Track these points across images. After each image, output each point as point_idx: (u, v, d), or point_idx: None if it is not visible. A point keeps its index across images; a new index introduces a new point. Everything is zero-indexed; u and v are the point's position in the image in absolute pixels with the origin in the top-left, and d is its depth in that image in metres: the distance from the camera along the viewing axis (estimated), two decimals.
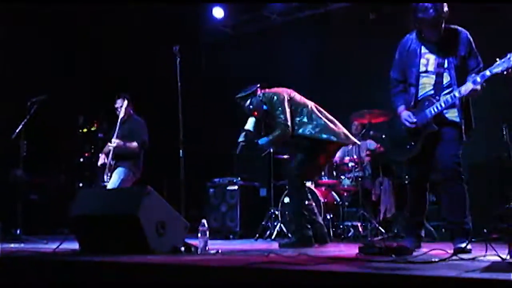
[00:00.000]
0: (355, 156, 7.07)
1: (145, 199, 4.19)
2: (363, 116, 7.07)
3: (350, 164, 7.01)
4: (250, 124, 5.63)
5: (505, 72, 3.88)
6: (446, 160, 4.18)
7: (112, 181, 6.35)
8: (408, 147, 4.36)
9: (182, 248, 4.22)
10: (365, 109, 7.01)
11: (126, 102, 6.51)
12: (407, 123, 4.31)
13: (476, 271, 2.77)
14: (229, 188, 7.81)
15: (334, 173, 7.03)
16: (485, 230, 4.12)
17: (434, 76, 4.24)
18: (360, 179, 6.90)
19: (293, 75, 9.20)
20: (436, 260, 3.25)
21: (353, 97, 8.50)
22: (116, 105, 6.57)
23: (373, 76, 8.50)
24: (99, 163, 6.54)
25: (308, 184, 6.96)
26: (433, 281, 2.41)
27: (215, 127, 9.65)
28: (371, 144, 7.54)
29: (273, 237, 6.90)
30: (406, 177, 6.93)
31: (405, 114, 4.34)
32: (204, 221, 4.26)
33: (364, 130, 7.24)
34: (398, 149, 4.50)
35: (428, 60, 4.27)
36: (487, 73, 3.97)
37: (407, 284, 2.41)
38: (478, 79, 3.99)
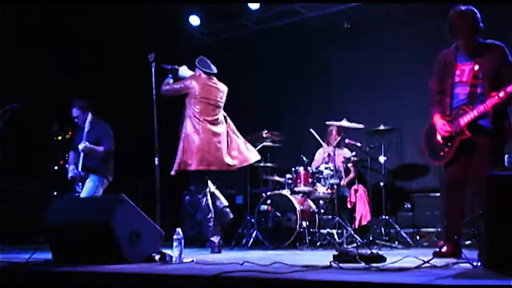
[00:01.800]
0: (330, 164, 7.11)
1: (118, 208, 4.15)
2: (339, 124, 7.12)
3: (326, 172, 7.04)
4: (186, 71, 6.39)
5: None
6: (477, 175, 4.28)
7: (86, 189, 6.30)
8: (441, 153, 4.52)
9: (157, 257, 4.19)
10: (341, 116, 7.07)
11: (79, 110, 6.49)
12: (441, 132, 4.47)
13: (448, 278, 2.81)
14: None
15: (310, 181, 7.05)
16: (455, 237, 4.17)
17: (468, 86, 4.40)
18: (335, 186, 6.94)
19: (269, 82, 9.23)
20: (409, 267, 3.28)
21: (328, 105, 8.56)
22: (74, 115, 6.54)
23: (348, 84, 8.59)
24: (69, 176, 6.52)
25: (285, 191, 6.99)
26: None
27: None
28: (347, 151, 7.59)
29: (249, 245, 6.89)
30: (381, 184, 7.04)
31: (440, 123, 4.50)
32: (179, 230, 4.23)
33: (339, 138, 7.29)
34: (433, 155, 4.65)
35: (463, 71, 4.44)
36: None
37: None
38: (501, 94, 4.13)
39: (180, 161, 5.87)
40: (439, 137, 4.53)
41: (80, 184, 6.36)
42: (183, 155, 5.85)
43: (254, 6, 9.09)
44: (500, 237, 2.81)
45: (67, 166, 6.65)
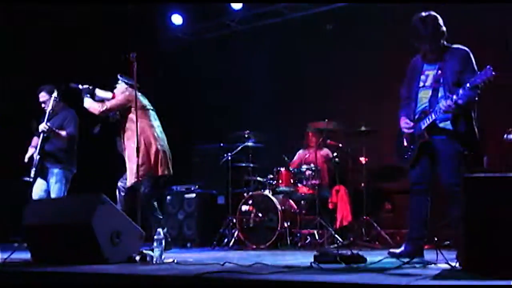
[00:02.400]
0: (312, 165, 7.14)
1: (99, 208, 4.13)
2: (320, 125, 7.16)
3: (307, 172, 7.07)
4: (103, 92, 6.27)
5: (483, 84, 4.09)
6: (444, 181, 4.39)
7: (54, 190, 6.17)
8: (406, 156, 4.64)
9: (137, 258, 4.18)
10: (322, 117, 7.10)
11: (48, 95, 6.32)
12: (404, 129, 4.60)
13: (427, 278, 2.84)
14: (186, 196, 7.76)
15: (292, 181, 7.07)
16: (435, 238, 4.22)
17: (430, 91, 4.50)
18: (317, 187, 6.96)
19: (251, 83, 9.23)
20: (389, 268, 3.31)
21: (310, 105, 8.58)
22: (41, 99, 6.38)
23: (329, 85, 8.62)
24: (26, 156, 6.33)
25: (266, 192, 7.00)
26: None
27: (172, 134, 9.59)
28: (328, 152, 7.63)
29: (230, 244, 6.90)
30: (362, 185, 7.08)
31: (402, 121, 4.63)
32: (160, 230, 4.22)
33: (321, 139, 7.32)
34: (400, 156, 4.76)
35: (427, 76, 4.55)
36: (467, 85, 4.15)
37: None
38: (454, 97, 4.21)
39: (147, 168, 5.87)
40: (405, 140, 4.66)
41: (34, 169, 6.13)
42: (145, 163, 5.85)
43: (237, 6, 9.09)
44: (478, 238, 2.84)
45: (29, 148, 6.43)
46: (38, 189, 6.26)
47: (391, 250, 4.57)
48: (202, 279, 2.82)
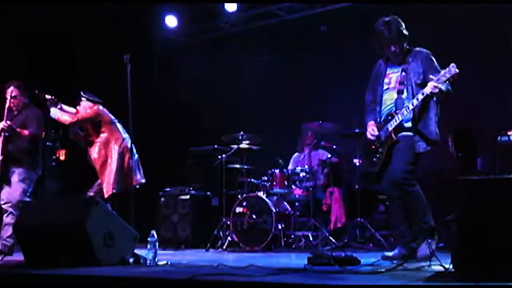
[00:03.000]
0: (306, 166, 7.14)
1: (93, 210, 4.12)
2: (314, 126, 7.15)
3: (302, 174, 7.07)
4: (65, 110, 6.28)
5: (447, 82, 4.22)
6: (393, 173, 4.48)
7: (16, 189, 5.94)
8: (374, 159, 4.65)
9: (131, 260, 4.17)
10: (316, 119, 7.10)
11: (18, 91, 6.17)
12: (369, 135, 4.65)
13: (420, 280, 2.85)
14: (180, 197, 7.74)
15: (286, 183, 7.07)
16: (428, 240, 4.22)
17: (394, 93, 4.58)
18: (311, 188, 6.96)
19: (245, 85, 9.23)
20: (382, 270, 3.31)
21: (304, 107, 8.58)
22: (12, 94, 6.16)
23: (324, 87, 8.63)
24: None
25: (260, 194, 6.99)
26: None
27: (167, 136, 9.59)
28: (323, 154, 7.63)
29: (224, 247, 6.89)
30: (356, 186, 7.08)
31: (369, 127, 4.69)
32: (153, 232, 4.21)
33: (315, 140, 7.32)
34: (369, 161, 4.76)
35: (391, 79, 4.65)
36: (432, 83, 4.24)
37: None
38: (419, 96, 4.32)
39: (123, 180, 5.94)
40: (371, 145, 4.68)
41: None
42: (120, 175, 5.92)
43: (231, 7, 9.07)
44: (472, 240, 2.85)
45: None
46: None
47: (385, 253, 4.56)
48: (196, 282, 2.81)
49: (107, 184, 5.88)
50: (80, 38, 8.97)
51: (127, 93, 5.38)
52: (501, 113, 6.82)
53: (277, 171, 7.09)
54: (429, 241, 4.31)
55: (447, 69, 4.20)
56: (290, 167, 7.69)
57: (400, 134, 4.49)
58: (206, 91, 9.71)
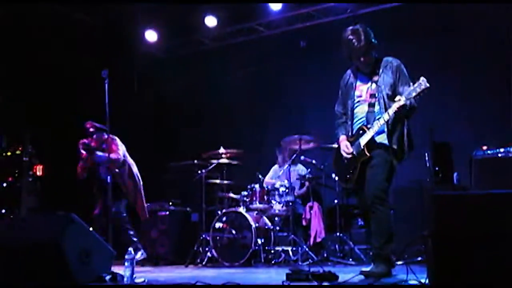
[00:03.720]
0: (285, 181, 7.14)
1: (69, 227, 4.06)
2: (294, 141, 7.16)
3: (281, 189, 7.07)
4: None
5: (418, 96, 4.12)
6: (370, 187, 4.35)
7: None
8: (348, 176, 4.54)
9: (107, 278, 4.11)
10: (296, 134, 7.11)
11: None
12: (344, 154, 4.52)
13: None
14: (159, 213, 7.69)
15: (265, 198, 7.06)
16: (406, 256, 4.23)
17: (366, 105, 4.46)
18: (290, 203, 6.96)
19: (225, 100, 9.24)
20: (360, 286, 3.31)
21: (284, 122, 8.61)
22: None
23: (304, 102, 8.67)
24: None
25: (240, 209, 6.98)
26: None
27: (146, 151, 9.55)
28: (302, 169, 7.64)
29: (204, 262, 6.84)
30: (335, 201, 7.10)
31: (343, 145, 4.55)
32: (130, 249, 4.18)
33: (294, 156, 7.32)
34: (341, 178, 4.71)
35: (362, 91, 4.51)
36: (402, 98, 4.17)
37: None
38: (403, 98, 4.17)
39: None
40: (344, 161, 4.57)
41: None
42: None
43: (211, 22, 9.08)
44: (446, 255, 2.86)
45: None
46: None
47: (363, 269, 4.52)
48: None
49: (142, 209, 6.61)
50: (60, 53, 8.91)
51: (106, 108, 5.36)
52: (477, 128, 6.91)
53: (257, 186, 7.08)
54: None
55: (417, 83, 4.11)
56: (268, 176, 7.70)
57: (373, 151, 4.37)
58: (186, 105, 9.71)
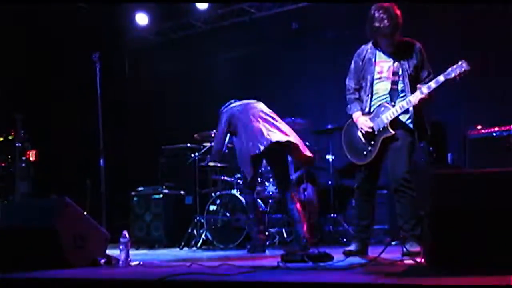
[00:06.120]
0: None
1: (63, 211, 4.05)
2: (287, 123, 7.12)
3: None
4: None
5: (457, 78, 4.12)
6: (397, 170, 4.31)
7: None
8: (365, 152, 4.46)
9: (102, 261, 4.11)
10: (289, 116, 7.08)
11: None
12: (365, 128, 4.42)
13: (393, 276, 2.85)
14: (153, 196, 7.67)
15: (259, 180, 7.04)
16: (401, 235, 4.24)
17: (388, 83, 4.40)
18: None
19: (218, 82, 9.19)
20: (355, 265, 3.31)
21: (277, 104, 8.55)
22: None
23: (296, 84, 8.64)
24: None
25: (234, 191, 6.97)
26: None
27: (139, 135, 9.51)
28: None
29: (198, 245, 6.84)
30: (329, 183, 7.10)
31: (362, 119, 4.46)
32: (125, 232, 4.16)
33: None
34: (356, 154, 4.56)
35: (383, 67, 4.43)
36: (441, 78, 4.17)
37: None
38: (425, 90, 4.18)
39: None
40: (360, 136, 4.50)
41: None
42: None
43: (202, 6, 9.01)
44: (443, 234, 2.86)
45: None
46: None
47: (346, 248, 4.54)
48: (167, 282, 2.78)
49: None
50: (50, 36, 8.82)
51: (97, 91, 5.32)
52: (471, 107, 6.90)
53: None
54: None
55: (456, 65, 4.11)
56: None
57: (397, 130, 4.32)
58: (178, 88, 9.65)
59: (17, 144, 8.24)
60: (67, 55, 8.79)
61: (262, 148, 5.35)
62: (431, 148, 6.29)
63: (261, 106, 5.91)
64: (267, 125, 5.54)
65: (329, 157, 7.14)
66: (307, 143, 7.42)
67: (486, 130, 5.54)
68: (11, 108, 6.23)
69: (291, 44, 8.72)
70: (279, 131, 5.52)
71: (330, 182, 7.10)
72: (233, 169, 7.38)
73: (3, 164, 8.37)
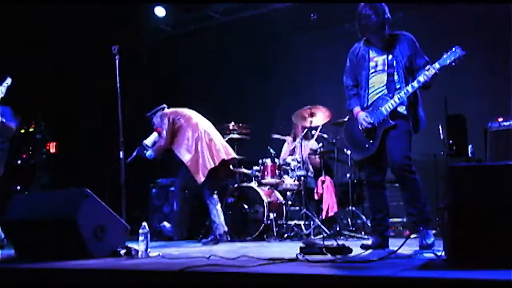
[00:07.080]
0: (297, 156, 7.12)
1: (83, 203, 4.09)
2: (305, 115, 7.10)
3: (293, 164, 7.06)
4: (149, 139, 6.34)
5: (453, 64, 4.14)
6: (396, 157, 4.34)
7: None
8: (366, 145, 4.52)
9: (122, 252, 4.15)
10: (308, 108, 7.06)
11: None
12: (364, 123, 4.46)
13: (413, 269, 2.84)
14: (172, 188, 7.71)
15: (277, 173, 7.05)
16: (421, 228, 4.21)
17: (384, 75, 4.44)
18: (303, 178, 6.95)
19: (235, 74, 9.19)
20: (374, 259, 3.30)
21: (296, 96, 8.56)
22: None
23: (315, 76, 8.62)
24: None
25: (252, 184, 6.98)
26: (370, 281, 2.44)
27: None
28: (314, 143, 7.61)
29: None
30: (348, 176, 7.08)
31: (362, 115, 4.50)
32: (144, 223, 4.19)
33: (306, 130, 7.29)
34: (357, 149, 4.66)
35: (377, 62, 4.49)
36: (436, 65, 4.19)
37: (343, 284, 2.44)
38: (437, 65, 4.20)
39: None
40: (361, 129, 4.54)
41: None
42: None
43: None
44: (463, 228, 2.83)
45: None
46: None
47: (363, 242, 4.57)
48: (187, 273, 2.79)
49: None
50: (69, 30, 8.88)
51: (116, 84, 5.34)
52: (492, 99, 6.83)
53: (268, 160, 7.07)
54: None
55: (450, 52, 4.15)
56: (282, 153, 7.68)
57: (396, 120, 4.37)
58: (196, 80, 9.66)
59: (37, 136, 8.34)
60: (87, 48, 8.84)
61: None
62: (451, 141, 6.24)
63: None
64: None
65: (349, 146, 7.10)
66: (326, 135, 7.41)
67: (508, 122, 5.48)
68: (32, 101, 6.27)
69: (310, 35, 8.68)
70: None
71: (348, 175, 7.08)
72: (251, 161, 7.39)
73: (24, 156, 8.48)
